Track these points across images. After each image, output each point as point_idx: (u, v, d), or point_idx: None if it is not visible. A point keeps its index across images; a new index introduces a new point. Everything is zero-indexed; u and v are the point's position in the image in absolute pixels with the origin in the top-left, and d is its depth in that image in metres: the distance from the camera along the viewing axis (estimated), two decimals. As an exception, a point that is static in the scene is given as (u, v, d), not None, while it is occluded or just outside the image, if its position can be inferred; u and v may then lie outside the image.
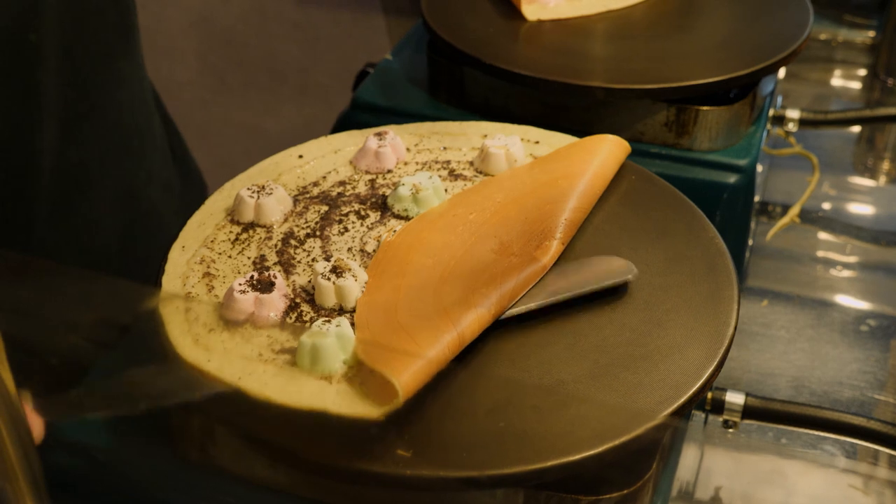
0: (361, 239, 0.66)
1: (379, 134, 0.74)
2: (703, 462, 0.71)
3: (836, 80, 1.24)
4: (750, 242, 0.93)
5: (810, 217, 1.01)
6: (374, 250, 0.65)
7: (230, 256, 0.65)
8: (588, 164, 0.70)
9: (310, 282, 0.62)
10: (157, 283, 0.63)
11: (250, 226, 0.67)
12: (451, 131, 0.77)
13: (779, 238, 0.97)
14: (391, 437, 0.52)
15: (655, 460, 0.57)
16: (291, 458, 0.53)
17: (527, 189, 0.69)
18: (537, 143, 0.75)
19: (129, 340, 0.65)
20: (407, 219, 0.68)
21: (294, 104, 1.92)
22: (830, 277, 0.94)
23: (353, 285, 0.60)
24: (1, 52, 0.72)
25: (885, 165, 1.11)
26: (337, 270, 0.60)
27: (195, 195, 0.71)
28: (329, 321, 0.55)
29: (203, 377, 0.54)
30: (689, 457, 0.68)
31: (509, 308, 0.59)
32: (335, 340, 0.53)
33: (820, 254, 0.97)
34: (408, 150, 0.75)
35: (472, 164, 0.73)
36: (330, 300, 0.60)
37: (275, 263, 0.64)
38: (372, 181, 0.72)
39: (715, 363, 0.57)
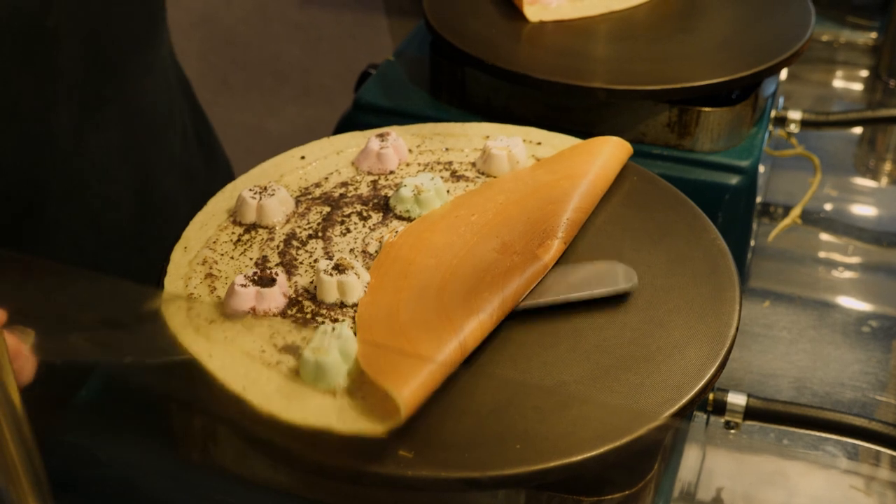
0: (363, 240, 0.66)
1: (381, 135, 0.74)
2: (704, 463, 0.71)
3: (838, 82, 1.24)
4: (752, 243, 0.93)
5: (812, 218, 1.01)
6: (375, 251, 0.65)
7: (232, 258, 0.65)
8: (590, 165, 0.70)
9: (312, 282, 0.62)
10: (159, 285, 0.63)
11: (252, 227, 0.67)
12: (453, 132, 0.77)
13: (781, 239, 0.97)
14: (392, 437, 0.52)
15: (657, 461, 0.57)
16: (292, 459, 0.53)
17: (529, 190, 0.69)
18: (539, 144, 0.75)
19: (133, 341, 0.65)
20: (409, 220, 0.68)
21: (296, 105, 1.92)
22: (832, 278, 0.94)
23: (356, 282, 0.60)
24: (17, 34, 0.73)
25: (887, 167, 1.11)
26: (339, 267, 0.60)
27: (220, 182, 0.72)
28: (333, 328, 0.55)
29: (205, 380, 0.54)
30: (690, 458, 0.68)
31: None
32: (338, 356, 0.53)
33: (822, 255, 0.97)
34: (410, 151, 0.75)
35: (474, 165, 0.73)
36: (331, 295, 0.60)
37: (277, 264, 0.64)
38: (374, 182, 0.72)
39: (717, 364, 0.57)
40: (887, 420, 0.69)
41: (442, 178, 0.71)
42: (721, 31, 0.92)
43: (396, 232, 0.66)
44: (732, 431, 0.69)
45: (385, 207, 0.69)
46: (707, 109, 0.83)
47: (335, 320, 0.59)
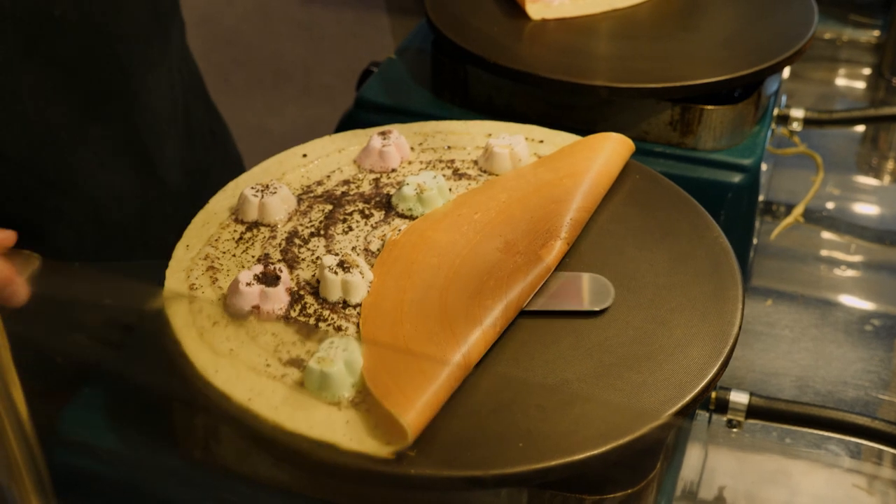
0: (366, 238, 0.66)
1: (383, 133, 0.74)
2: (707, 461, 0.71)
3: (841, 80, 1.24)
4: (754, 242, 0.93)
5: (814, 216, 1.01)
6: (378, 249, 0.65)
7: (234, 255, 0.65)
8: (592, 163, 0.70)
9: (314, 275, 0.62)
10: (161, 278, 0.63)
11: (254, 225, 0.67)
12: (455, 130, 0.77)
13: (783, 237, 0.97)
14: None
15: (659, 460, 0.57)
16: (295, 459, 0.53)
17: (531, 188, 0.69)
18: (541, 142, 0.75)
19: (134, 339, 0.65)
20: (411, 218, 0.67)
21: (298, 103, 1.92)
22: (834, 277, 0.94)
23: (360, 282, 0.60)
24: (22, 22, 0.73)
25: (890, 165, 1.11)
26: (344, 265, 0.60)
27: (231, 179, 0.73)
28: (338, 341, 0.55)
29: (210, 391, 0.54)
30: (693, 456, 0.68)
31: None
32: (343, 367, 0.53)
33: (824, 253, 0.97)
34: (412, 149, 0.75)
35: (476, 163, 0.73)
36: (335, 294, 0.60)
37: (279, 261, 0.64)
38: (376, 180, 0.72)
39: (719, 363, 0.57)
40: (890, 419, 0.69)
41: (444, 176, 0.71)
42: (723, 29, 0.92)
43: (399, 230, 0.66)
44: (735, 430, 0.69)
45: (387, 205, 0.69)
46: (709, 107, 0.83)
47: (339, 328, 0.59)
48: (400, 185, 0.69)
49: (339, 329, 0.59)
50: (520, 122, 0.78)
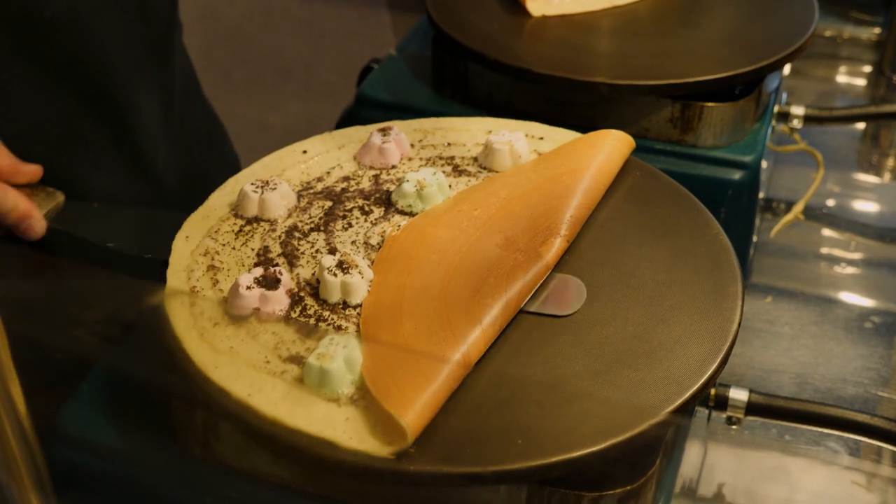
0: (365, 234, 0.66)
1: (383, 129, 0.74)
2: (706, 458, 0.71)
3: (841, 77, 1.24)
4: (754, 239, 0.93)
5: (814, 214, 1.00)
6: (377, 244, 0.65)
7: (234, 248, 0.65)
8: (592, 159, 0.70)
9: (314, 274, 0.62)
10: (161, 277, 0.63)
11: (254, 220, 0.67)
12: (456, 127, 0.77)
13: (783, 235, 0.97)
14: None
15: (659, 457, 0.57)
16: (294, 455, 0.53)
17: (531, 185, 0.69)
18: (542, 139, 0.75)
19: (135, 336, 0.65)
20: (411, 215, 0.67)
21: (298, 100, 1.92)
22: (834, 274, 0.94)
23: (359, 282, 0.60)
24: (13, 21, 0.73)
25: (890, 162, 1.11)
26: (343, 266, 0.60)
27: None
28: (338, 338, 0.55)
29: (210, 387, 0.54)
30: (692, 453, 0.68)
31: None
32: (342, 364, 0.53)
33: (824, 250, 0.97)
34: (412, 145, 0.75)
35: (476, 160, 0.73)
36: (335, 296, 0.60)
37: (279, 255, 0.64)
38: (376, 177, 0.72)
39: (719, 360, 0.57)
40: (889, 416, 0.69)
41: (444, 172, 0.71)
42: (724, 27, 0.92)
43: (399, 227, 0.66)
44: (734, 427, 0.69)
45: (387, 202, 0.69)
46: (710, 105, 0.83)
47: (339, 328, 0.59)
48: (400, 181, 0.69)
49: (339, 329, 0.59)
50: (520, 118, 0.78)
